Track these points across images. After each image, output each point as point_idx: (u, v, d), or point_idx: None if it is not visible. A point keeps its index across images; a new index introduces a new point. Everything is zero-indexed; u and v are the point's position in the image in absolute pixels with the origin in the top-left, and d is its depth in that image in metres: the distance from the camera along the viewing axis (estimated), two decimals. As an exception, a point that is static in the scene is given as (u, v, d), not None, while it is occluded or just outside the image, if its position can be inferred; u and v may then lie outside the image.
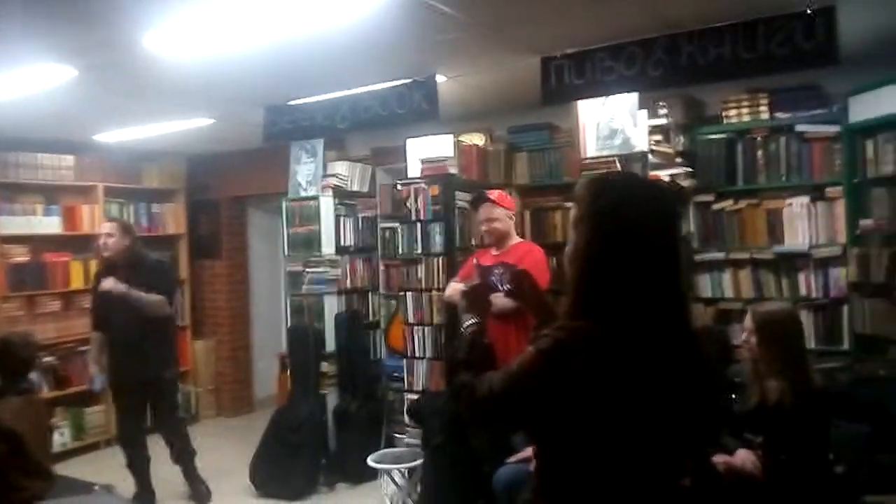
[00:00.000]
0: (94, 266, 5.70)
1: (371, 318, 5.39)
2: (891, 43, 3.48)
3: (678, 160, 4.09)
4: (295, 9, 2.80)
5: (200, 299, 6.75)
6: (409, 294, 4.54)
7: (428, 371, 4.44)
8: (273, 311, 7.03)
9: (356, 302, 5.30)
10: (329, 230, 5.07)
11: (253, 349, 6.99)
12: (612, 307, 1.31)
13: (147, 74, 3.66)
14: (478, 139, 4.87)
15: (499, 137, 4.98)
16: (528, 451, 2.44)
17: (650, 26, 3.23)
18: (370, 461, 4.22)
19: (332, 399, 4.92)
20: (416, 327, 4.51)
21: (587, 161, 3.91)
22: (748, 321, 2.77)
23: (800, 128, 3.93)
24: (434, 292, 4.39)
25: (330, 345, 4.95)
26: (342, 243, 5.17)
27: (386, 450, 4.52)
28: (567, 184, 4.40)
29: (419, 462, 4.09)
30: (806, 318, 3.76)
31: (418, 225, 4.49)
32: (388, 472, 4.19)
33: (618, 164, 3.78)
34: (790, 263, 3.96)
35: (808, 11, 2.95)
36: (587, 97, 3.75)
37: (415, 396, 4.45)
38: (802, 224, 3.96)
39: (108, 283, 4.00)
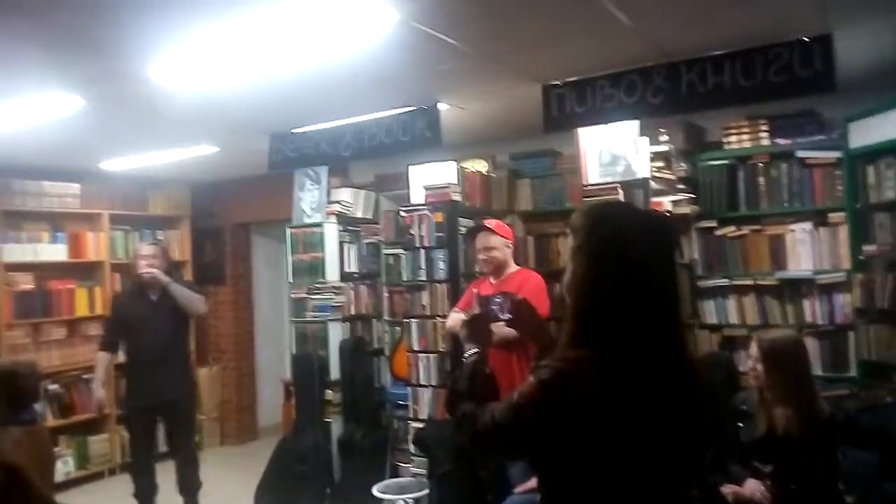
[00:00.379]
0: (99, 293, 5.74)
1: (375, 344, 5.38)
2: (889, 68, 3.51)
3: (680, 186, 4.10)
4: (300, 40, 2.84)
5: (204, 326, 6.73)
6: (413, 321, 4.52)
7: (433, 399, 4.40)
8: (277, 337, 7.02)
9: (360, 329, 5.30)
10: (333, 257, 5.08)
11: (258, 376, 6.98)
12: (611, 336, 1.31)
13: (153, 104, 3.71)
14: (480, 166, 4.89)
15: (501, 164, 5.01)
16: (535, 482, 2.42)
17: (650, 55, 3.27)
18: (375, 491, 4.19)
19: (336, 427, 4.89)
20: (420, 354, 4.48)
21: (589, 188, 3.92)
22: (754, 349, 2.75)
23: (801, 153, 3.94)
24: (438, 319, 4.37)
25: (334, 372, 4.93)
26: (346, 270, 5.18)
27: (391, 479, 4.48)
28: (570, 210, 4.39)
29: (425, 492, 4.05)
30: (812, 344, 3.74)
31: (422, 251, 4.48)
32: (394, 503, 4.15)
33: (620, 191, 3.79)
34: (795, 289, 3.94)
35: (806, 39, 2.98)
36: (588, 124, 3.77)
37: (420, 425, 4.41)
38: (806, 250, 3.95)
39: (153, 270, 4.05)
